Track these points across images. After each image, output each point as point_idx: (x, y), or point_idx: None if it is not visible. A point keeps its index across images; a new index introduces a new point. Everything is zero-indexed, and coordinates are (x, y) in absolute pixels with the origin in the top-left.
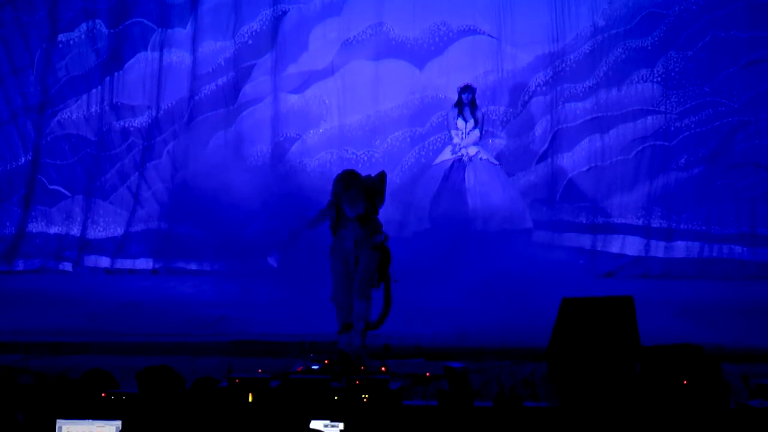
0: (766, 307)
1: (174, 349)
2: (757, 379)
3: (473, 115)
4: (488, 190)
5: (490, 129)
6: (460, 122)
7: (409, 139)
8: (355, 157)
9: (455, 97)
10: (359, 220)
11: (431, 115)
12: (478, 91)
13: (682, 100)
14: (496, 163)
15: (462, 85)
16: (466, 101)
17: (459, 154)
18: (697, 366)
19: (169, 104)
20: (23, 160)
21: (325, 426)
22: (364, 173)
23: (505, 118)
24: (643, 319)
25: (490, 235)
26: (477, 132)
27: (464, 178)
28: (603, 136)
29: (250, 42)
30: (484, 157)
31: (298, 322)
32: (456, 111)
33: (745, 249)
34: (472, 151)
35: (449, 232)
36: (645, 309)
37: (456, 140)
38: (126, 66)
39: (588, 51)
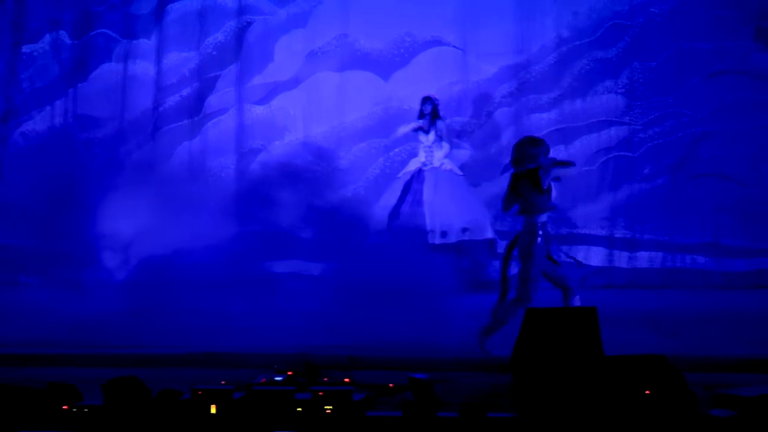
0: (729, 317)
1: (137, 361)
2: (721, 389)
3: (433, 126)
4: (448, 201)
5: (455, 140)
6: (421, 135)
7: (374, 150)
8: (320, 168)
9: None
10: None
11: (396, 126)
12: (443, 102)
13: (646, 110)
14: (461, 173)
15: (423, 97)
16: (426, 112)
17: (423, 165)
18: (661, 376)
19: (134, 115)
20: None
21: None
22: (328, 186)
23: (469, 129)
24: (606, 329)
25: (449, 246)
26: (446, 145)
27: (423, 190)
28: (567, 146)
29: (214, 53)
30: (448, 167)
31: (263, 334)
32: (418, 123)
33: (708, 259)
34: (437, 162)
35: (407, 244)
36: (608, 319)
37: (421, 153)
38: (90, 77)
39: (553, 62)
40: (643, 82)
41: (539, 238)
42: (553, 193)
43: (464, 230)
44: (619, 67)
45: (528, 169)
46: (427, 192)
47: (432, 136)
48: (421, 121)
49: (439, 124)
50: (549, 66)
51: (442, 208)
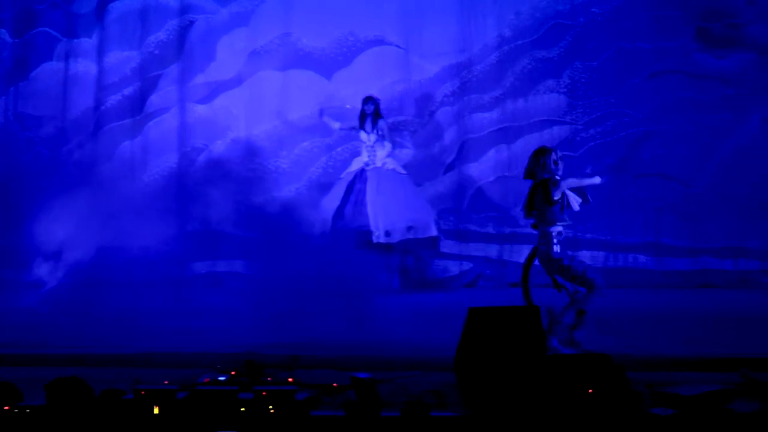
0: (671, 316)
1: (79, 361)
2: (661, 387)
3: (375, 126)
4: (391, 200)
5: (398, 139)
6: (363, 134)
7: (317, 150)
8: (262, 167)
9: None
10: None
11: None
12: (385, 101)
13: (587, 110)
14: (404, 172)
15: (364, 97)
16: (368, 112)
17: (366, 164)
18: (603, 375)
19: (75, 114)
20: None
21: None
22: (271, 185)
23: (412, 128)
24: None
25: (393, 245)
26: (388, 144)
27: (366, 189)
28: (510, 146)
29: (156, 52)
30: (391, 166)
31: (206, 333)
32: (359, 123)
33: (650, 258)
34: (379, 161)
35: (351, 243)
36: None
37: (363, 153)
38: (31, 76)
39: (495, 61)
40: (585, 81)
41: (555, 246)
42: (574, 207)
43: (409, 228)
44: (561, 66)
45: (541, 180)
46: (370, 191)
47: (374, 135)
48: (345, 123)
49: (381, 123)
50: (491, 65)
51: (386, 207)
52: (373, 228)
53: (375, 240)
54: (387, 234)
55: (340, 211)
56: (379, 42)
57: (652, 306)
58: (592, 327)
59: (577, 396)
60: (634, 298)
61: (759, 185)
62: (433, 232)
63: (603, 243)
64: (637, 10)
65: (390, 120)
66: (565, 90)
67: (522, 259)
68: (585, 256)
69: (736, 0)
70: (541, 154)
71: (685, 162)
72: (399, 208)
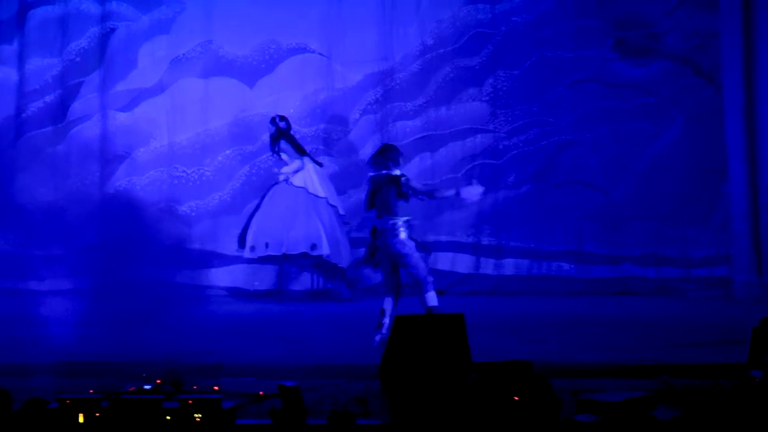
0: (592, 323)
1: (2, 371)
2: (585, 394)
3: (278, 147)
4: (273, 217)
5: (321, 147)
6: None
7: (239, 157)
8: (185, 175)
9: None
10: None
11: (261, 133)
12: (308, 109)
13: (510, 118)
14: (318, 193)
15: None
16: (271, 133)
17: (285, 180)
18: (527, 382)
19: None
20: None
21: None
22: (194, 192)
23: (336, 137)
24: (473, 335)
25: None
26: (298, 161)
27: (261, 204)
28: (433, 154)
29: (77, 59)
30: (299, 184)
31: (127, 343)
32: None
33: (571, 266)
34: (289, 178)
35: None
36: (476, 326)
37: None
38: None
39: (417, 70)
40: (507, 90)
41: (400, 235)
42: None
43: (267, 245)
44: (483, 75)
45: (390, 174)
46: (264, 206)
47: (285, 156)
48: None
49: (283, 144)
50: (413, 74)
51: (267, 222)
52: (248, 242)
53: (249, 254)
54: (266, 246)
55: (247, 225)
56: (302, 50)
57: (575, 313)
58: (516, 335)
59: (501, 403)
60: (558, 305)
61: (678, 192)
62: (304, 249)
63: (526, 251)
64: (558, 19)
65: (312, 128)
66: (488, 98)
67: (445, 267)
68: (509, 264)
69: (653, 10)
70: (392, 150)
71: (604, 170)
72: (281, 224)
